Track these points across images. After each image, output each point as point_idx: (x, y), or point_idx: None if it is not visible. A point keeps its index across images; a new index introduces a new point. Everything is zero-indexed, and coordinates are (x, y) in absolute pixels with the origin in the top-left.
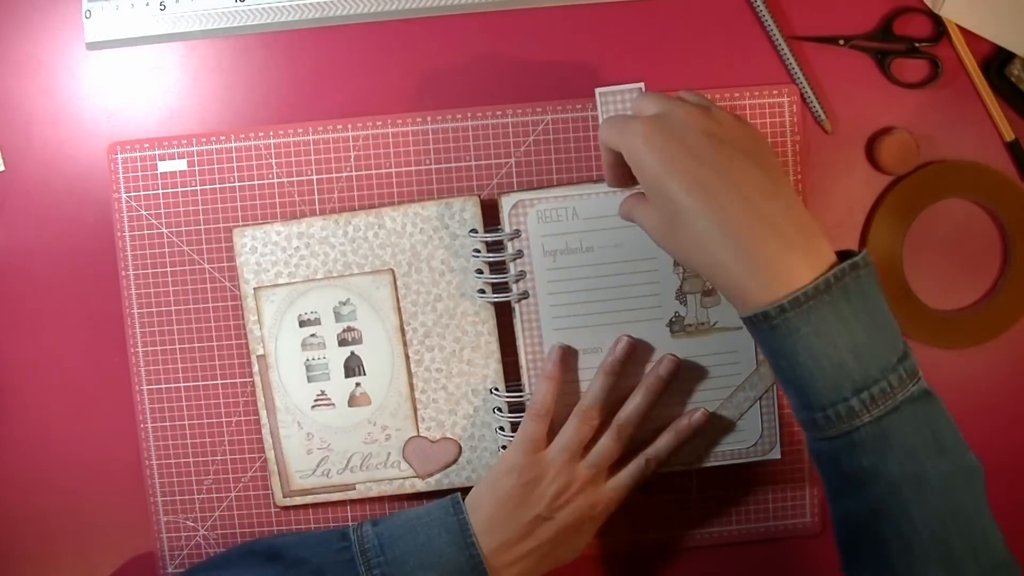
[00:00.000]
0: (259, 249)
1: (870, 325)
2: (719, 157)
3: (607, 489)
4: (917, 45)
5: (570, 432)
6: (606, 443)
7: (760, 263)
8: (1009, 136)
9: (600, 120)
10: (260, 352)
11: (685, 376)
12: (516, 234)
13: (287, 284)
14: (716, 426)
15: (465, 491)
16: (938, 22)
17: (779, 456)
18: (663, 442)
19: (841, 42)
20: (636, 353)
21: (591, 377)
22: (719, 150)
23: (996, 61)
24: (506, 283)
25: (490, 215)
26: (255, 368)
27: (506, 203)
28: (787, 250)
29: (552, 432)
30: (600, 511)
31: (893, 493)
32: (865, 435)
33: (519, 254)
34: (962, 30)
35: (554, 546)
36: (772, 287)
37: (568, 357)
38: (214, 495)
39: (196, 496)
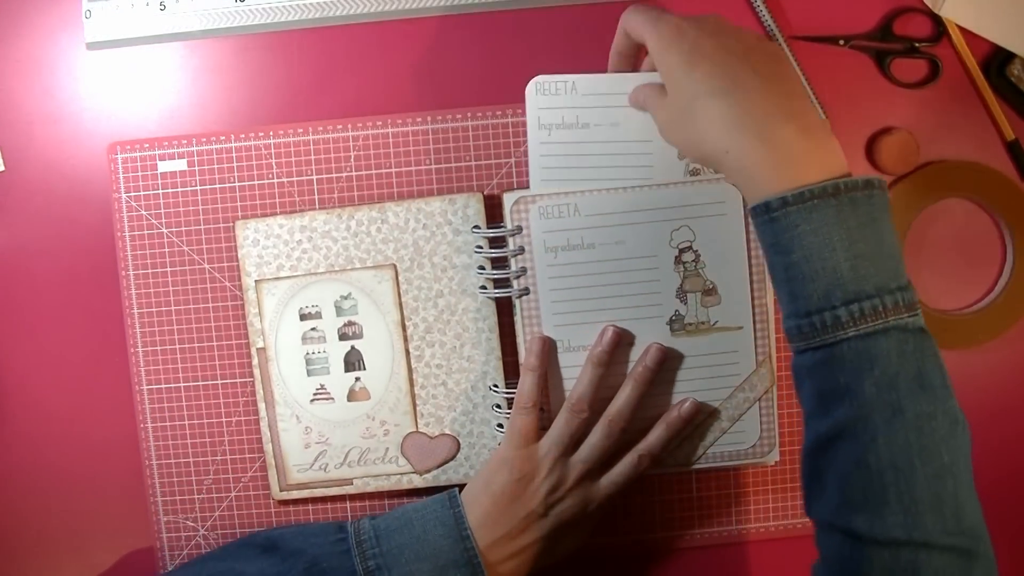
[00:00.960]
0: (261, 242)
1: (873, 243)
2: (748, 54)
3: (601, 486)
4: (917, 45)
5: (560, 426)
6: (597, 438)
7: (776, 149)
8: (1009, 136)
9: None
10: (260, 345)
11: (684, 376)
12: (518, 230)
13: (289, 277)
14: (715, 427)
15: (463, 487)
16: (938, 22)
17: (778, 459)
18: (655, 436)
19: (841, 42)
20: (624, 345)
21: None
22: (749, 50)
23: (996, 61)
24: (507, 280)
25: (493, 212)
26: (255, 361)
27: (508, 199)
28: (804, 141)
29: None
30: (595, 508)
31: (864, 417)
32: (847, 350)
33: (521, 250)
34: (962, 30)
35: (550, 542)
36: (781, 177)
37: (549, 348)
38: (214, 495)
39: (196, 496)
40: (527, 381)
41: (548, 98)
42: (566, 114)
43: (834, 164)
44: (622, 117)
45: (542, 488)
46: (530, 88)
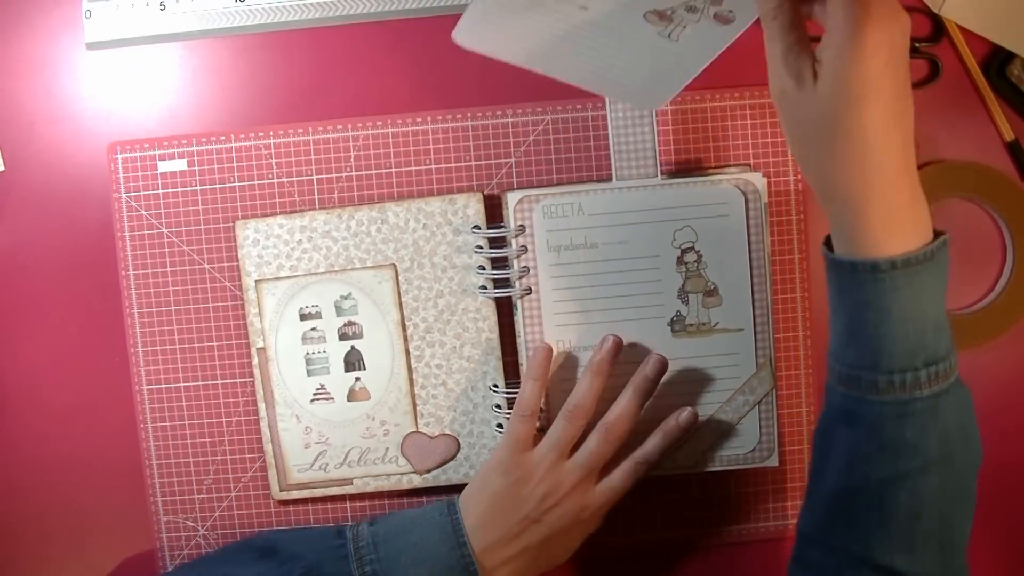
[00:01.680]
0: (261, 242)
1: (943, 303)
2: (908, 89)
3: (597, 492)
4: (917, 45)
5: (557, 431)
6: (594, 444)
7: (893, 212)
8: (1009, 136)
9: None
10: (260, 345)
11: (684, 378)
12: (521, 230)
13: (289, 277)
14: (714, 430)
15: (462, 487)
16: (938, 22)
17: (776, 464)
18: (652, 444)
19: None
20: (626, 347)
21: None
22: (908, 81)
23: (996, 61)
24: (507, 280)
25: (492, 212)
26: (255, 361)
27: (511, 199)
28: (915, 206)
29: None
30: (590, 514)
31: (923, 468)
32: (919, 408)
33: (523, 250)
34: (962, 30)
35: (545, 548)
36: (891, 241)
37: (552, 357)
38: (214, 495)
39: (196, 496)
40: (527, 389)
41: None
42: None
43: (928, 225)
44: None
45: (537, 492)
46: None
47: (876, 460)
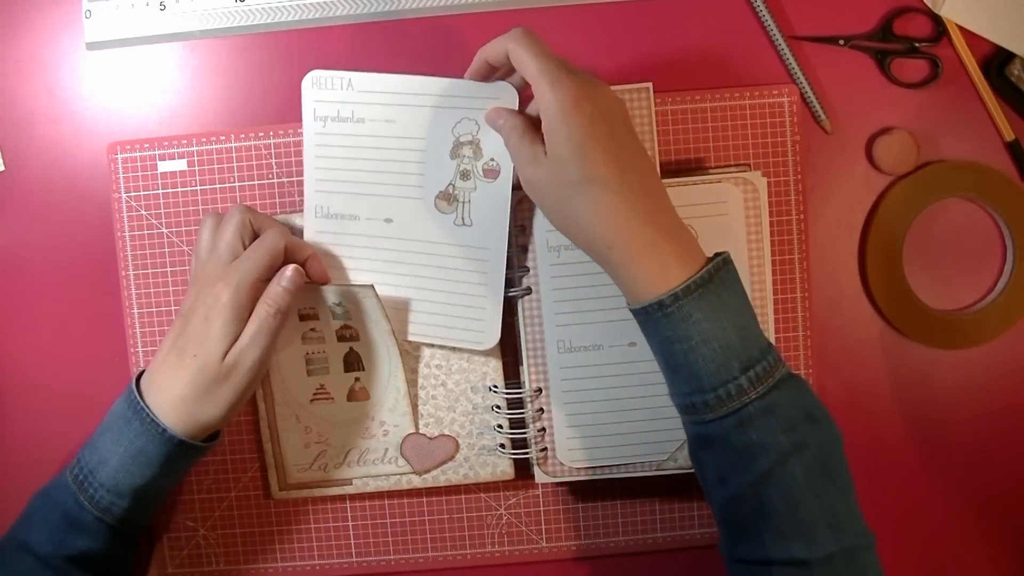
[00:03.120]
0: None
1: (746, 312)
2: (632, 142)
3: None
4: (917, 45)
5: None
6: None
7: (656, 250)
8: (1009, 136)
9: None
10: None
11: None
12: (521, 230)
13: None
14: None
15: (461, 487)
16: (938, 22)
17: None
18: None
19: (841, 42)
20: (625, 345)
21: (593, 375)
22: (632, 138)
23: (996, 61)
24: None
25: None
26: None
27: (511, 199)
28: (675, 240)
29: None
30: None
31: (781, 461)
32: (753, 411)
33: (523, 250)
34: (962, 30)
35: (186, 337)
36: (664, 276)
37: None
38: (214, 495)
39: (196, 496)
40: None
41: (324, 92)
42: (341, 108)
43: (698, 251)
44: (397, 115)
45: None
46: (306, 81)
47: (739, 468)
